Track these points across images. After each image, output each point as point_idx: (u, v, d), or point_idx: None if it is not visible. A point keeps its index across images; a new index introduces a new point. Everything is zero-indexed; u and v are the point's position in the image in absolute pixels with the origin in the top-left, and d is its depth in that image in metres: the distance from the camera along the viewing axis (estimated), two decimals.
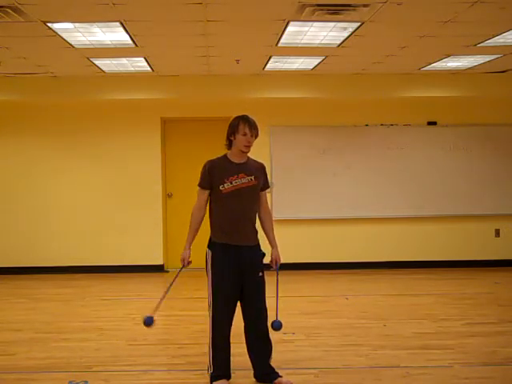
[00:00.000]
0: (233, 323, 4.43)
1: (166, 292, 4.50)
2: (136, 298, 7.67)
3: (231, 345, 4.44)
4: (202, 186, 4.41)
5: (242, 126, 4.32)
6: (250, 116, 4.40)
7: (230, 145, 4.41)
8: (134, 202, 9.49)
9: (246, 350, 4.52)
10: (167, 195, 9.66)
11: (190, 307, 7.13)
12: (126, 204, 9.49)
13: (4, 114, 9.40)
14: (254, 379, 4.50)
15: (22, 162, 9.45)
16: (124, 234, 9.48)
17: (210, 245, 4.42)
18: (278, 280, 4.52)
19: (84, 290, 8.25)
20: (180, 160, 9.65)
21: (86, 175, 9.50)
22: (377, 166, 9.53)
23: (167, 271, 9.48)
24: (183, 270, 4.43)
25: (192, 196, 9.56)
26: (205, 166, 4.41)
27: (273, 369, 4.48)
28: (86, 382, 4.52)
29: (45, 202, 9.45)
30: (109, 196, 9.52)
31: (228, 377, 4.41)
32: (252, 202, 4.42)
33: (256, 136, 4.40)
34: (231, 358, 4.45)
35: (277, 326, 4.52)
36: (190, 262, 4.41)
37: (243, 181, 4.34)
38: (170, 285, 4.48)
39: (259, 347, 4.47)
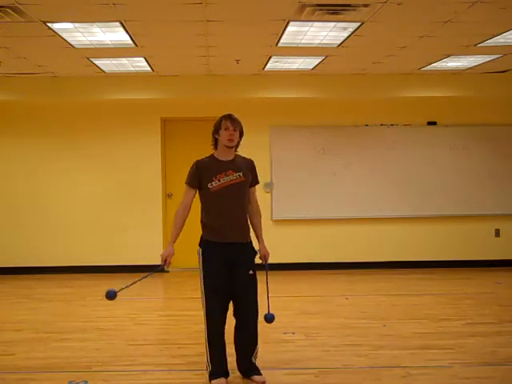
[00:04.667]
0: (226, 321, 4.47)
1: (131, 284, 4.47)
2: (136, 298, 7.66)
3: (227, 345, 4.48)
4: (190, 184, 4.49)
5: (223, 122, 4.46)
6: (233, 114, 4.51)
7: (216, 144, 4.52)
8: (134, 202, 9.49)
9: None
10: (167, 195, 9.66)
11: (190, 307, 7.12)
12: (126, 204, 9.49)
13: (4, 114, 9.41)
14: (251, 379, 4.52)
15: (21, 162, 9.45)
16: (124, 234, 9.48)
17: (202, 243, 4.49)
18: (267, 274, 4.55)
19: (84, 290, 8.25)
20: (180, 160, 9.63)
21: (86, 175, 9.50)
22: (377, 166, 9.53)
23: (167, 271, 9.47)
24: (150, 272, 4.51)
25: None
26: (193, 165, 4.51)
27: (254, 366, 4.51)
28: (86, 381, 4.52)
29: (45, 201, 9.45)
30: (109, 196, 9.52)
31: (226, 375, 4.45)
32: (241, 199, 4.49)
33: (240, 133, 4.49)
34: (228, 358, 4.48)
35: (269, 318, 4.55)
36: (169, 262, 4.45)
37: (231, 178, 4.43)
38: (139, 279, 4.49)
39: (245, 345, 4.52)
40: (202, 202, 4.51)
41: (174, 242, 4.48)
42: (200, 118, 9.57)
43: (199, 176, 4.44)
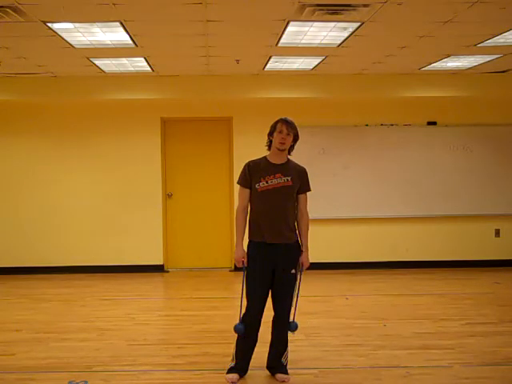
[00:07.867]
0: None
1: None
2: (136, 298, 7.67)
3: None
4: (242, 184, 4.60)
5: (279, 125, 4.55)
6: (290, 118, 4.59)
7: (269, 145, 4.63)
8: (134, 203, 9.48)
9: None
10: (167, 195, 9.66)
11: (190, 307, 7.13)
12: (126, 204, 9.49)
13: (4, 114, 9.40)
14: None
15: (21, 162, 9.45)
16: (124, 234, 9.48)
17: (248, 241, 4.58)
18: (300, 282, 4.61)
19: (84, 289, 8.25)
20: (180, 160, 9.65)
21: (86, 175, 9.49)
22: (377, 166, 9.53)
23: (167, 271, 9.47)
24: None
25: (192, 196, 9.58)
26: (245, 166, 4.64)
27: (282, 365, 4.60)
28: (86, 382, 4.53)
29: (45, 202, 9.44)
30: (109, 196, 9.52)
31: (244, 371, 4.58)
32: (285, 202, 4.55)
33: (295, 137, 4.57)
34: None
35: (292, 327, 4.59)
36: (245, 262, 4.53)
37: (279, 180, 4.53)
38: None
39: (275, 344, 4.64)
40: (250, 202, 4.60)
41: (241, 243, 4.56)
42: (200, 118, 9.57)
43: (250, 176, 4.54)
